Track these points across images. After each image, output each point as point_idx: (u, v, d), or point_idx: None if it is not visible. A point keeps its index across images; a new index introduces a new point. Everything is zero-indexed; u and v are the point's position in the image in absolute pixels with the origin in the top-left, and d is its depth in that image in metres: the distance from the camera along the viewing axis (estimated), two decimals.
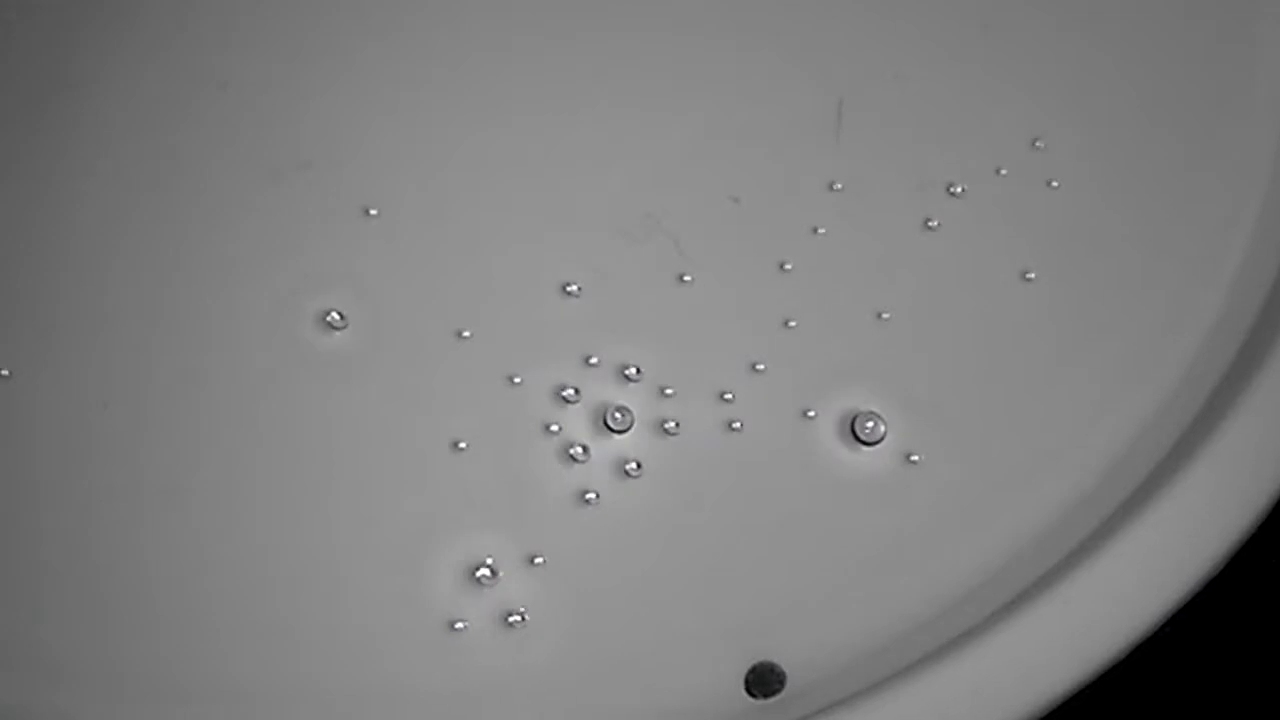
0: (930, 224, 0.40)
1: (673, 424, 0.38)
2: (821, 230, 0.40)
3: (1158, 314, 0.40)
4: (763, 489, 0.38)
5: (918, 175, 0.40)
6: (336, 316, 0.39)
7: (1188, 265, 0.40)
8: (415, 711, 0.37)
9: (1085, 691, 0.36)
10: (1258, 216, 0.40)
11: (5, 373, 0.39)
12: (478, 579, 0.37)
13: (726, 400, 0.39)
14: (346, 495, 0.38)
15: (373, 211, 0.40)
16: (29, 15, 0.42)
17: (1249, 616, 0.44)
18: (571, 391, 0.38)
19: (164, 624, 0.37)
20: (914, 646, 0.37)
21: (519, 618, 0.37)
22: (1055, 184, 0.40)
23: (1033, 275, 0.40)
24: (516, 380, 0.39)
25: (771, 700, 0.37)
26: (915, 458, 0.38)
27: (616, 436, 0.38)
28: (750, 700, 0.37)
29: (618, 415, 0.38)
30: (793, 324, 0.39)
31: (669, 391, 0.39)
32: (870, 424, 0.38)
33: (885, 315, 0.39)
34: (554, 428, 0.38)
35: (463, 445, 0.38)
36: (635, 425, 0.38)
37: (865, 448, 0.38)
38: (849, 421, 0.39)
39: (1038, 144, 0.40)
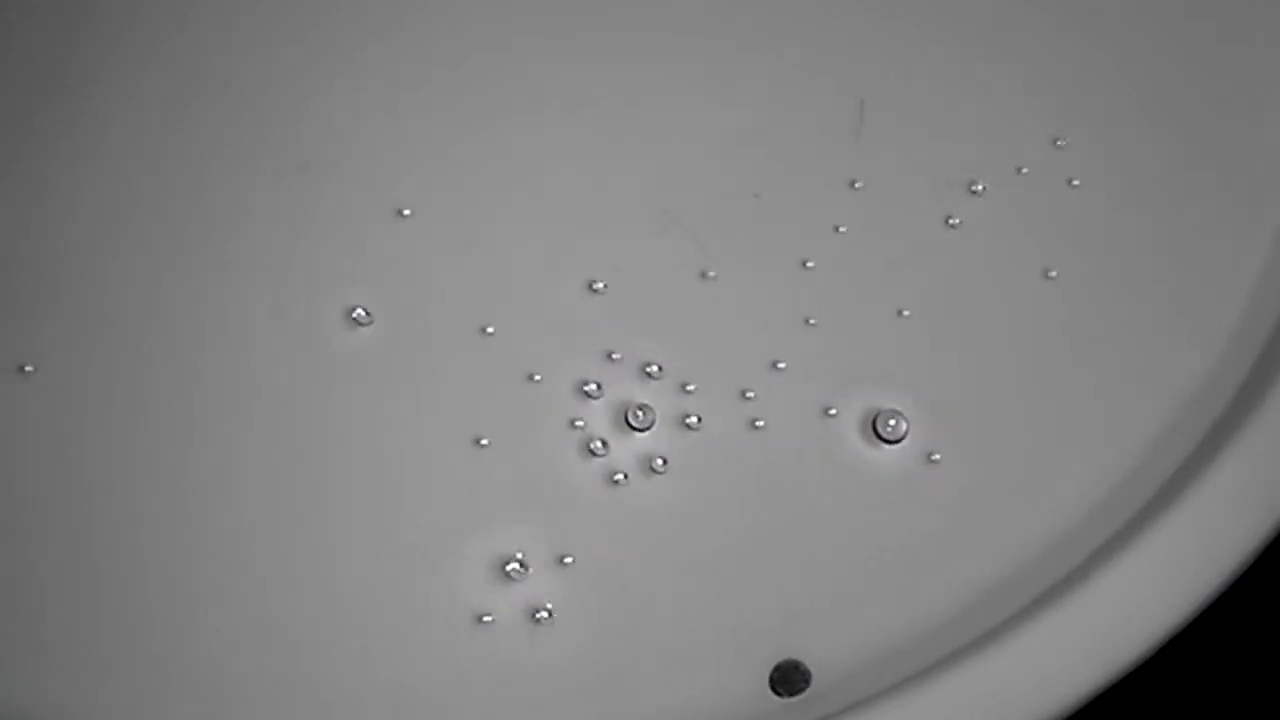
0: (951, 222, 0.40)
1: (694, 419, 0.38)
2: (843, 229, 0.40)
3: (1179, 313, 0.40)
4: (785, 488, 0.38)
5: (939, 174, 0.40)
6: (362, 313, 0.39)
7: (1209, 265, 0.40)
8: (444, 702, 0.37)
9: (1107, 693, 0.36)
10: None
11: (30, 368, 0.38)
12: (508, 573, 0.37)
13: (748, 398, 0.39)
14: (373, 489, 0.38)
15: (406, 212, 0.40)
16: (29, 15, 0.41)
17: (1271, 619, 0.44)
18: (594, 387, 0.38)
19: (198, 621, 0.37)
20: (938, 646, 0.37)
21: (545, 614, 0.37)
22: (1076, 183, 0.40)
23: (1054, 274, 0.40)
24: (538, 377, 0.39)
25: (796, 699, 0.37)
26: (936, 456, 0.38)
27: (638, 434, 0.38)
28: (775, 699, 0.37)
29: (639, 413, 0.38)
30: (814, 322, 0.39)
31: (690, 388, 0.39)
32: (892, 422, 0.38)
33: (906, 313, 0.39)
34: (578, 423, 0.38)
35: (485, 441, 0.38)
36: (657, 423, 0.38)
37: (887, 446, 0.38)
38: (870, 419, 0.39)
39: (1059, 143, 0.41)
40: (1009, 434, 0.39)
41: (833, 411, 0.39)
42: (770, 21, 0.42)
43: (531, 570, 0.37)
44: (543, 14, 0.42)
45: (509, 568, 0.37)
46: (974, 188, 0.40)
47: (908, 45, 0.41)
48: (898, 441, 0.38)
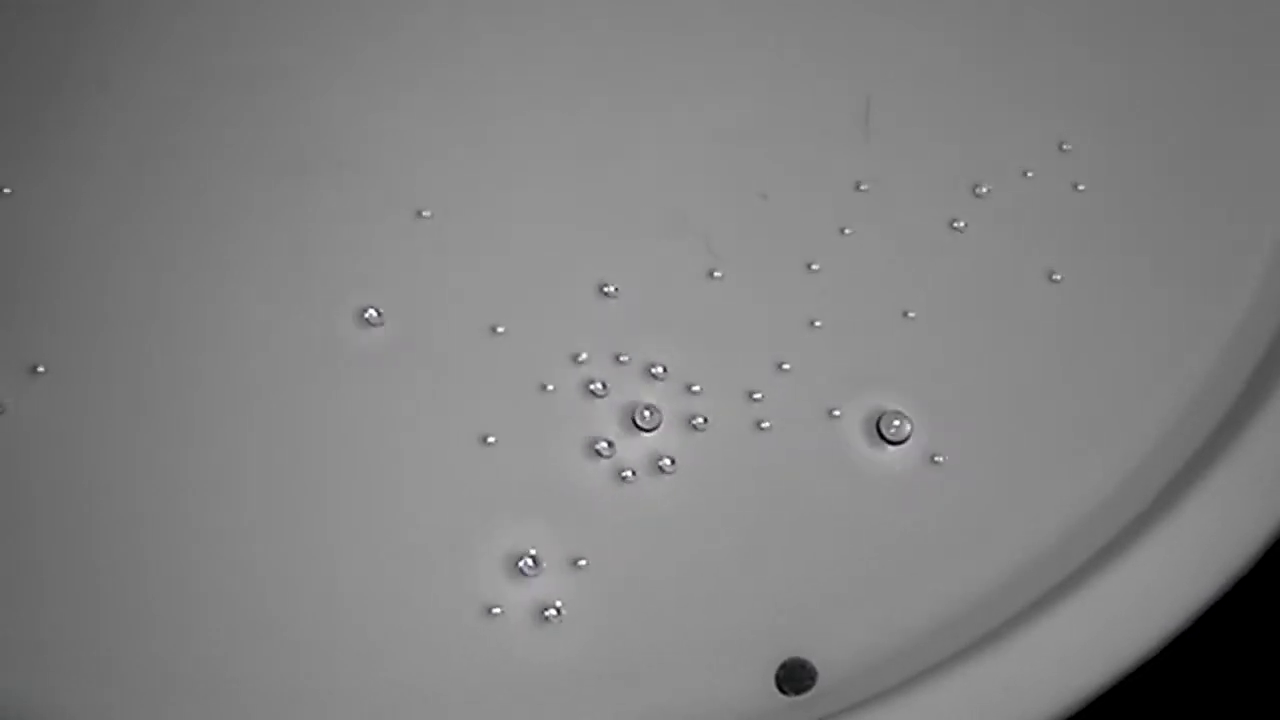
0: (956, 225, 0.40)
1: (701, 420, 0.38)
2: (849, 231, 0.40)
3: (1182, 316, 0.40)
4: (790, 488, 0.38)
5: (944, 176, 0.41)
6: (374, 313, 0.39)
7: (1213, 268, 0.40)
8: (448, 703, 0.37)
9: (1110, 694, 0.36)
10: None
11: (41, 369, 0.38)
12: (520, 569, 0.37)
13: (755, 399, 0.39)
14: (378, 487, 0.38)
15: (421, 212, 0.40)
16: (29, 15, 0.41)
17: (1272, 622, 0.44)
18: (600, 386, 0.38)
19: (198, 621, 0.37)
20: (941, 645, 0.37)
21: (554, 611, 0.37)
22: (1082, 186, 0.40)
23: (1058, 276, 0.40)
24: (546, 377, 0.39)
25: (802, 697, 0.37)
26: (940, 458, 0.38)
27: (645, 435, 0.38)
28: (781, 697, 0.37)
29: (646, 413, 0.38)
30: (819, 323, 0.39)
31: (696, 389, 0.39)
32: (896, 423, 0.38)
33: (911, 315, 0.40)
34: (585, 423, 0.38)
35: (492, 439, 0.38)
36: (664, 424, 0.38)
37: (891, 447, 0.39)
38: (874, 421, 0.39)
39: (1064, 146, 0.41)
40: (1012, 436, 0.39)
41: (837, 413, 0.39)
42: (777, 23, 0.42)
43: (541, 567, 0.37)
44: (548, 13, 0.42)
45: (521, 564, 0.37)
46: (979, 190, 0.40)
47: (914, 48, 0.42)
48: (902, 442, 0.39)
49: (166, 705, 0.37)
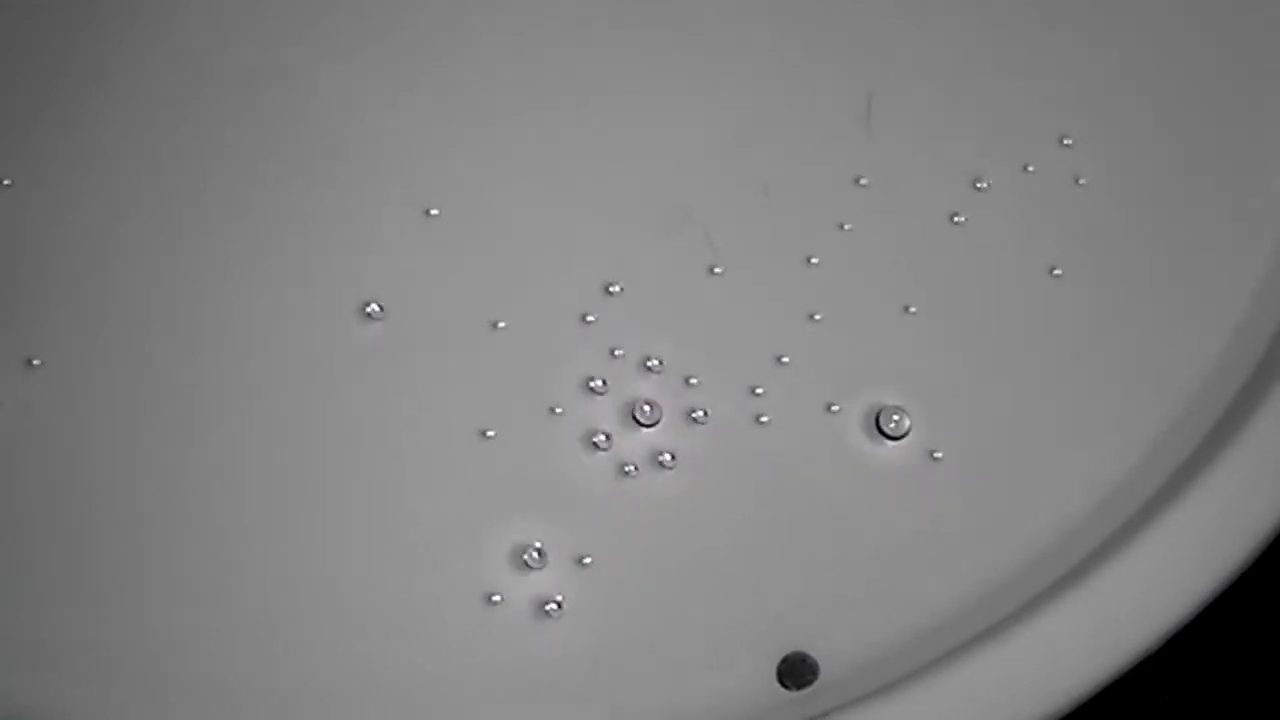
0: (957, 219, 0.40)
1: (701, 414, 0.38)
2: (848, 225, 0.40)
3: (1183, 312, 0.40)
4: (790, 483, 0.38)
5: (945, 171, 0.41)
6: (376, 308, 0.39)
7: (1214, 263, 0.40)
8: (450, 699, 0.37)
9: (1110, 689, 0.36)
10: None
11: (37, 362, 0.38)
12: (525, 561, 0.37)
13: (755, 395, 0.39)
14: (378, 483, 0.38)
15: (425, 211, 0.40)
16: (29, 15, 0.41)
17: (1272, 618, 0.44)
18: (600, 383, 0.38)
19: (204, 621, 0.37)
20: (943, 640, 0.37)
21: (554, 606, 0.37)
22: (1082, 181, 0.40)
23: (1059, 271, 0.40)
24: (546, 372, 0.39)
25: (804, 692, 0.37)
26: (939, 453, 0.38)
27: (645, 430, 0.38)
28: (783, 692, 0.37)
29: (646, 408, 0.38)
30: (818, 318, 0.39)
31: (695, 382, 0.39)
32: (895, 418, 0.38)
33: (911, 310, 0.40)
34: (585, 419, 0.38)
35: (491, 433, 0.38)
36: (664, 419, 0.38)
37: (890, 442, 0.39)
38: (874, 416, 0.39)
39: (1065, 141, 0.41)
40: (1012, 431, 0.39)
41: (836, 408, 0.39)
42: (779, 18, 0.42)
43: (546, 559, 0.37)
44: (548, 13, 0.42)
45: (526, 556, 0.37)
46: (980, 185, 0.40)
47: (916, 43, 0.42)
48: (901, 437, 0.39)
49: (166, 705, 0.36)
